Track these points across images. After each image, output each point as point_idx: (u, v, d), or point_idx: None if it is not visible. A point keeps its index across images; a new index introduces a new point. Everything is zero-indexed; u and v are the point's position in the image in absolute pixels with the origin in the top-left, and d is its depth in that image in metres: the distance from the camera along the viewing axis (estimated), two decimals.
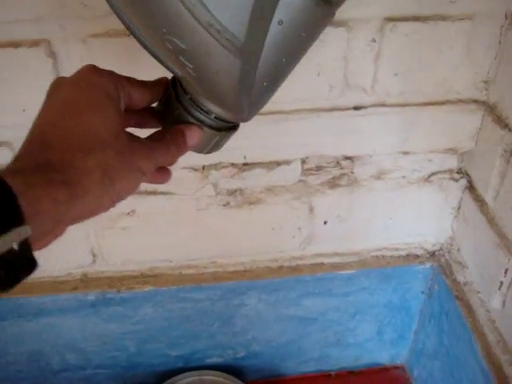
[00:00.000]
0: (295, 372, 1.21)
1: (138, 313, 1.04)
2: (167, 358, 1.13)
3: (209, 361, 1.15)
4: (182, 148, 0.53)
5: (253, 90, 0.49)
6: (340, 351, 1.18)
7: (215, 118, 0.52)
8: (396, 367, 1.22)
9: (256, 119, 0.83)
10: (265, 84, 0.49)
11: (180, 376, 1.12)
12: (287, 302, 1.06)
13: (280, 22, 0.44)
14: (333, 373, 1.22)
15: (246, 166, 0.90)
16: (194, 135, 0.53)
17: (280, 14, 0.44)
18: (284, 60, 0.48)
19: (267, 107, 0.54)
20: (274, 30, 0.45)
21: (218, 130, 0.53)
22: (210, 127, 0.53)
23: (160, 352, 1.12)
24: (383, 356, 1.20)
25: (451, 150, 0.93)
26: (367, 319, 1.12)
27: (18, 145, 0.82)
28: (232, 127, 0.56)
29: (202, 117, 0.52)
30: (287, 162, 0.91)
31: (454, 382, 0.99)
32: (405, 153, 0.92)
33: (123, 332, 1.07)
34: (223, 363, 1.16)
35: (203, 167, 0.90)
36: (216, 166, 0.90)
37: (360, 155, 0.92)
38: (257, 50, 0.46)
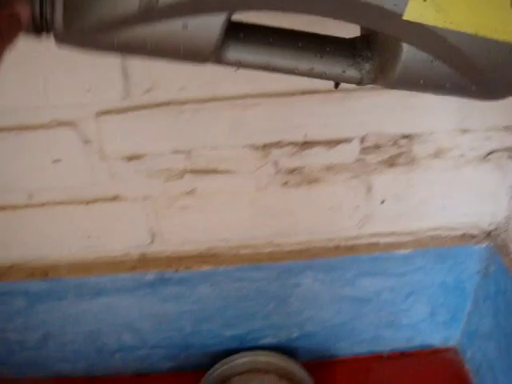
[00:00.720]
0: (348, 353, 1.21)
1: (195, 293, 1.04)
2: (222, 339, 1.14)
3: (263, 341, 1.15)
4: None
5: None
6: (393, 332, 1.17)
7: None
8: (448, 349, 1.21)
9: (319, 98, 0.83)
10: None
11: (235, 356, 1.12)
12: (343, 282, 1.06)
13: None
14: (385, 354, 1.22)
15: (306, 144, 0.90)
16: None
17: None
18: None
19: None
20: None
21: None
22: None
23: (215, 332, 1.12)
24: (436, 337, 1.20)
25: (510, 128, 0.92)
26: (421, 300, 1.12)
27: (83, 125, 0.84)
28: None
29: None
30: (347, 141, 0.91)
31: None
32: (463, 131, 0.91)
33: (179, 312, 1.08)
34: (277, 344, 1.16)
35: (263, 145, 0.90)
36: (276, 145, 0.90)
37: (418, 133, 0.91)
38: None
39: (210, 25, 0.47)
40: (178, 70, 0.79)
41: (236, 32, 0.50)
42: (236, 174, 0.93)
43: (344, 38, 0.56)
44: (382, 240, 1.04)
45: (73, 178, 0.92)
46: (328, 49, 0.54)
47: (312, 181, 0.95)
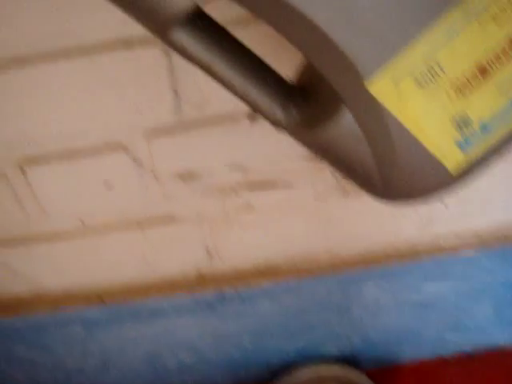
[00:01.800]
0: (412, 358, 1.17)
1: (255, 309, 1.01)
2: (283, 352, 1.11)
3: (325, 352, 1.12)
4: None
5: None
6: (458, 335, 1.13)
7: None
8: None
9: None
10: None
11: (296, 368, 1.09)
12: (405, 288, 1.02)
13: None
14: (451, 357, 1.17)
15: None
16: None
17: None
18: None
19: None
20: None
21: None
22: None
23: (276, 347, 1.09)
24: (503, 340, 1.15)
25: None
26: (487, 302, 1.08)
27: (134, 146, 0.81)
28: None
29: None
30: None
31: None
32: None
33: (240, 329, 1.05)
34: (339, 354, 1.12)
35: None
36: None
37: None
38: None
39: None
40: None
41: (197, 18, 0.48)
42: (294, 187, 0.89)
43: (285, 79, 0.56)
44: (445, 242, 1.00)
45: (126, 201, 0.89)
46: (268, 80, 0.53)
47: None
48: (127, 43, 0.74)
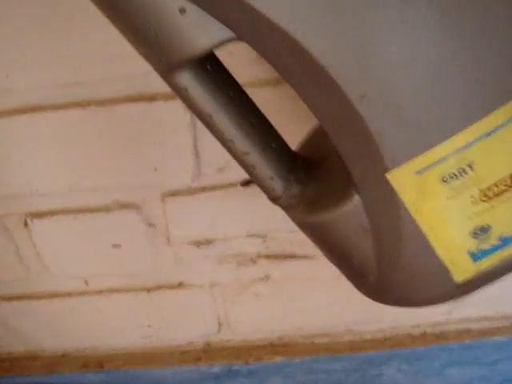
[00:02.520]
0: None
1: None
2: None
3: None
4: None
5: None
6: None
7: None
8: None
9: None
10: None
11: None
12: (429, 372, 0.93)
13: None
14: None
15: None
16: None
17: None
18: None
19: None
20: None
21: None
22: None
23: None
24: None
25: None
26: None
27: (147, 207, 0.74)
28: None
29: None
30: None
31: None
32: None
33: None
34: None
35: None
36: None
37: None
38: None
39: (211, 26, 0.37)
40: None
41: (206, 61, 0.43)
42: (315, 259, 0.81)
43: (290, 148, 0.50)
44: (474, 326, 0.92)
45: (134, 263, 0.82)
46: (273, 145, 0.48)
47: None
48: (147, 95, 0.68)
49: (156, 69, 0.42)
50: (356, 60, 0.35)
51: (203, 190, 0.76)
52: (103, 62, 0.66)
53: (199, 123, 0.69)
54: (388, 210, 0.43)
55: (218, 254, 0.81)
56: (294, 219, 0.52)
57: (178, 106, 0.68)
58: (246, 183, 0.57)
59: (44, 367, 0.93)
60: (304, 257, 0.82)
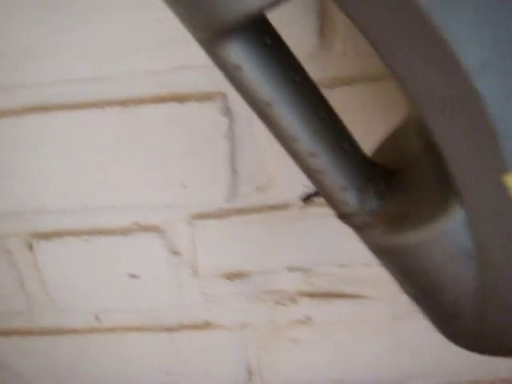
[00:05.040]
0: None
1: None
2: None
3: None
4: None
5: None
6: None
7: None
8: None
9: None
10: None
11: None
12: None
13: None
14: None
15: None
16: None
17: None
18: None
19: None
20: None
21: None
22: None
23: None
24: None
25: None
26: None
27: (172, 231, 0.61)
28: None
29: None
30: None
31: None
32: None
33: None
34: None
35: None
36: None
37: None
38: None
39: None
40: None
41: (264, 33, 0.33)
42: (367, 299, 0.68)
43: (368, 156, 0.40)
44: None
45: (154, 298, 0.69)
46: (346, 147, 0.38)
47: None
48: (177, 95, 0.55)
49: (199, 38, 0.32)
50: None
51: (239, 212, 0.64)
52: (127, 54, 0.54)
53: (238, 131, 0.57)
54: (504, 227, 0.33)
55: (253, 290, 0.68)
56: (369, 242, 0.41)
57: (214, 108, 0.56)
58: (308, 197, 0.44)
59: None
60: (354, 296, 0.69)
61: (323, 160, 0.38)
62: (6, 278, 0.71)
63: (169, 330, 0.74)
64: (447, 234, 0.35)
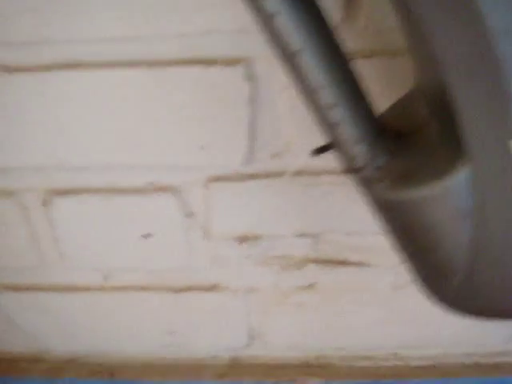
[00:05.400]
0: None
1: None
2: None
3: None
4: None
5: None
6: None
7: None
8: None
9: None
10: None
11: None
12: None
13: None
14: None
15: None
16: None
17: None
18: None
19: None
20: None
21: None
22: None
23: None
24: None
25: None
26: None
27: (187, 192, 0.63)
28: None
29: None
30: None
31: None
32: None
33: None
34: None
35: None
36: None
37: None
38: None
39: None
40: (316, 130, 0.59)
41: None
42: (371, 267, 0.70)
43: (378, 117, 0.43)
44: None
45: (164, 258, 0.70)
46: (363, 103, 0.41)
47: None
48: (204, 59, 0.57)
49: None
50: None
51: (254, 177, 0.65)
52: (157, 16, 0.56)
53: (260, 97, 0.59)
54: (504, 188, 0.36)
55: (261, 254, 0.70)
56: (374, 197, 0.44)
57: (238, 73, 0.58)
58: (319, 151, 0.46)
59: (47, 372, 0.81)
60: (358, 264, 0.71)
61: (342, 111, 0.40)
62: (20, 233, 0.72)
63: (175, 290, 0.76)
64: (450, 191, 0.37)
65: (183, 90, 0.60)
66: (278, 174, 0.66)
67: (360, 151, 0.42)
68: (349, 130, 0.41)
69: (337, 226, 0.70)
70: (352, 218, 0.69)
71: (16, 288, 0.77)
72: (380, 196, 0.42)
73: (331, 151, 0.46)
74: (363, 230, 0.70)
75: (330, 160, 0.62)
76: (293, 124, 0.63)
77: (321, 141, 0.61)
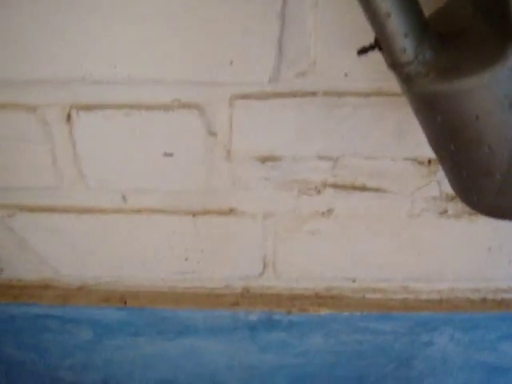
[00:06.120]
0: None
1: (304, 342, 0.82)
2: None
3: None
4: None
5: None
6: None
7: None
8: None
9: None
10: None
11: None
12: (482, 345, 0.84)
13: None
14: None
15: None
16: None
17: None
18: None
19: None
20: None
21: None
22: None
23: None
24: None
25: None
26: None
27: (212, 110, 0.63)
28: None
29: None
30: None
31: None
32: None
33: (278, 366, 0.85)
34: None
35: (429, 161, 0.68)
36: None
37: None
38: None
39: None
40: (343, 50, 0.60)
41: None
42: (388, 194, 0.72)
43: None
44: None
45: (184, 179, 0.71)
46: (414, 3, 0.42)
47: (473, 213, 0.73)
48: None
49: None
50: None
51: (279, 95, 0.67)
52: None
53: (290, 13, 0.59)
54: None
55: (281, 175, 0.71)
56: (418, 92, 0.45)
57: None
58: (364, 50, 0.47)
59: (58, 298, 0.81)
60: (376, 189, 0.72)
61: (394, 2, 0.41)
62: (40, 150, 0.72)
63: (193, 214, 0.76)
64: (498, 79, 0.38)
65: (214, 3, 0.60)
66: (303, 94, 0.67)
67: (408, 44, 0.43)
68: (399, 22, 0.42)
69: (357, 150, 0.71)
70: (373, 141, 0.70)
71: (32, 209, 0.77)
72: (426, 90, 0.43)
73: (375, 50, 0.47)
74: (383, 155, 0.71)
75: (353, 81, 0.63)
76: (320, 43, 0.63)
77: (347, 62, 0.62)
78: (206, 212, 0.75)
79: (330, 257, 0.79)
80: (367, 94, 0.66)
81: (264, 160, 0.70)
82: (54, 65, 0.65)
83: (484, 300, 0.84)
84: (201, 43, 0.65)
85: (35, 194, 0.75)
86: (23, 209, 0.76)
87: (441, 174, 0.72)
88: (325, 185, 0.73)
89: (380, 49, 0.45)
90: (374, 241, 0.77)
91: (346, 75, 0.65)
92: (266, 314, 0.80)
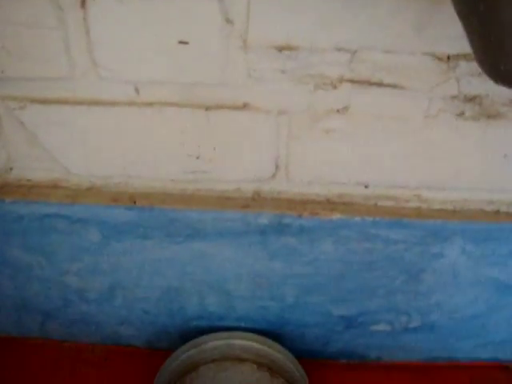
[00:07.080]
0: (466, 357, 0.95)
1: (314, 250, 0.81)
2: (326, 318, 0.89)
3: (374, 327, 0.90)
4: None
5: None
6: None
7: None
8: None
9: None
10: None
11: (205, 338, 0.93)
12: (493, 259, 0.83)
13: None
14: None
15: None
16: None
17: None
18: None
19: None
20: None
21: None
22: None
23: (321, 308, 0.89)
24: None
25: None
26: None
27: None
28: None
29: None
30: None
31: None
32: None
33: (286, 274, 0.84)
34: (389, 332, 0.91)
35: (448, 57, 0.67)
36: (466, 57, 0.67)
37: None
38: None
39: None
40: None
41: None
42: (405, 91, 0.71)
43: None
44: None
45: (198, 70, 0.70)
46: None
47: (492, 115, 0.71)
48: None
49: None
50: None
51: None
52: None
53: None
54: None
55: (297, 69, 0.70)
56: None
57: None
58: None
59: (66, 197, 0.79)
60: (393, 85, 0.71)
61: None
62: (53, 37, 0.70)
63: (206, 108, 0.75)
64: None
65: None
66: None
67: None
68: None
69: (375, 43, 0.70)
70: (391, 34, 0.69)
71: (43, 101, 0.75)
72: None
73: None
74: (401, 49, 0.69)
75: None
76: None
77: None
78: (219, 106, 0.74)
79: (343, 158, 0.78)
80: None
81: (281, 49, 0.68)
82: None
83: (497, 212, 0.83)
84: None
85: (47, 86, 0.74)
86: (34, 101, 0.75)
87: (460, 71, 0.70)
88: (341, 80, 0.71)
89: None
90: (388, 143, 0.76)
91: None
92: (277, 217, 0.79)
